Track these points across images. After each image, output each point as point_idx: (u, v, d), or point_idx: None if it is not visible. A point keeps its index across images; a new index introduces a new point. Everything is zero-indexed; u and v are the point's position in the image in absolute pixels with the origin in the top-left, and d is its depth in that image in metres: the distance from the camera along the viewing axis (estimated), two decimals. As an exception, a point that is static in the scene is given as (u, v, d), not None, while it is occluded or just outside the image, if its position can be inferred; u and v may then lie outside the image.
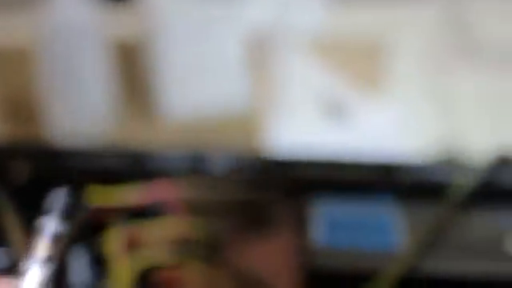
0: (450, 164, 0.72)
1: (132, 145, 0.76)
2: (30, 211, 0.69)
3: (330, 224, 0.67)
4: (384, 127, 0.91)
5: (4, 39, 0.98)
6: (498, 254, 0.65)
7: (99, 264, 0.68)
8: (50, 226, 0.28)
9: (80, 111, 0.95)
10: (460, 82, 1.00)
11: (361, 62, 0.99)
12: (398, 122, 0.92)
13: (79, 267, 0.69)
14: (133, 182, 0.70)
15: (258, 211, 0.74)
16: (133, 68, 0.99)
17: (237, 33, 0.91)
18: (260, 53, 0.97)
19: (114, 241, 0.68)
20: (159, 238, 0.69)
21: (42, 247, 0.28)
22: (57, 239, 0.28)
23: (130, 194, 0.69)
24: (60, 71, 0.94)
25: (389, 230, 0.66)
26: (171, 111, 0.93)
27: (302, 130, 0.88)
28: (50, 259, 0.29)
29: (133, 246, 0.69)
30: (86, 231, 0.69)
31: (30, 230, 0.66)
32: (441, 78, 1.00)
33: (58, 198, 0.28)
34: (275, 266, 0.70)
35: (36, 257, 0.28)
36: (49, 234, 0.28)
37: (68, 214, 0.28)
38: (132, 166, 0.72)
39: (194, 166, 0.72)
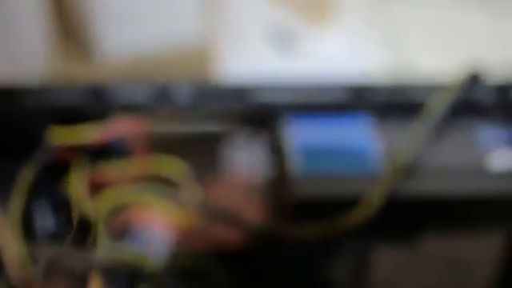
0: (423, 84, 0.69)
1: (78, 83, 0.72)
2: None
3: (306, 151, 0.65)
4: (334, 54, 0.89)
5: None
6: (478, 171, 0.64)
7: (64, 208, 0.64)
8: None
9: (16, 53, 0.90)
10: (405, 9, 0.99)
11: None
12: (347, 49, 0.90)
13: (44, 213, 0.65)
14: (94, 118, 0.66)
15: (226, 144, 0.71)
16: (71, 7, 0.94)
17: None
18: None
19: (77, 183, 0.64)
20: (124, 178, 0.66)
21: None
22: None
23: (92, 132, 0.65)
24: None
25: (366, 153, 0.65)
26: (116, 48, 0.89)
27: (254, 61, 0.85)
28: None
29: (98, 186, 0.65)
30: (49, 173, 0.65)
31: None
32: (386, 6, 0.99)
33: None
34: (240, 198, 0.68)
35: None
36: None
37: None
38: (92, 102, 0.68)
39: (157, 99, 0.68)
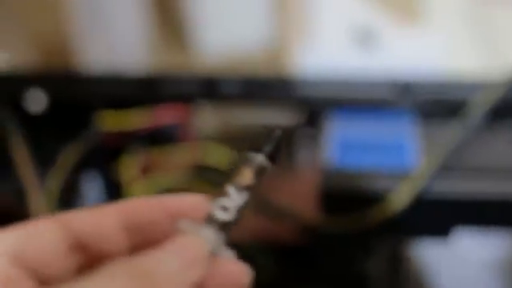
0: (469, 82, 0.68)
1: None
2: (46, 138, 0.70)
3: (344, 144, 0.65)
4: (418, 52, 0.88)
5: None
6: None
7: (114, 189, 0.68)
8: (258, 159, 0.32)
9: (113, 44, 0.95)
10: (502, 13, 0.96)
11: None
12: (432, 49, 0.89)
13: (94, 192, 0.69)
14: (146, 106, 0.69)
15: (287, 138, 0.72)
16: (164, 1, 0.98)
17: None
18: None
19: (128, 166, 0.68)
20: (174, 163, 0.69)
21: (246, 176, 0.31)
22: (260, 173, 0.31)
23: (143, 118, 0.69)
24: (93, 7, 0.94)
25: (403, 150, 0.64)
26: (205, 45, 0.92)
27: (332, 58, 0.86)
28: (249, 188, 0.31)
29: (147, 171, 0.68)
30: (100, 156, 0.68)
31: (42, 159, 0.67)
32: (481, 7, 0.97)
33: (272, 137, 0.32)
34: (296, 194, 0.69)
35: (238, 183, 0.31)
36: (255, 167, 0.31)
37: (274, 156, 0.32)
38: (146, 91, 0.71)
39: (210, 91, 0.71)
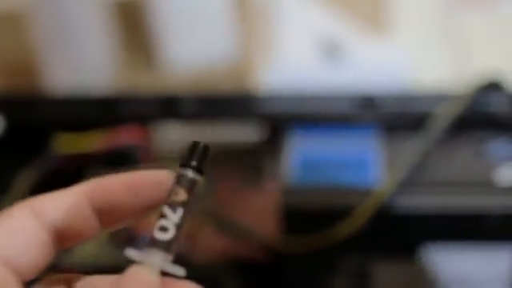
0: (433, 93, 0.67)
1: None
2: (3, 163, 0.68)
3: (306, 160, 0.64)
4: (385, 63, 0.87)
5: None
6: (485, 186, 0.60)
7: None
8: (187, 174, 0.32)
9: (79, 65, 0.93)
10: (470, 20, 0.95)
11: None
12: (400, 59, 0.88)
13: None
14: (104, 128, 0.68)
15: (241, 155, 0.71)
16: (128, 21, 0.97)
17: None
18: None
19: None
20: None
21: (178, 193, 0.32)
22: (191, 187, 0.32)
23: (101, 140, 0.67)
24: (57, 28, 0.92)
25: (367, 165, 0.63)
26: (171, 62, 0.91)
27: (296, 73, 0.85)
28: (183, 204, 0.32)
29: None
30: (58, 180, 0.67)
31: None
32: (450, 16, 0.96)
33: (196, 150, 0.33)
34: (260, 211, 0.67)
35: (172, 202, 0.32)
36: (185, 182, 0.32)
37: (200, 169, 0.32)
38: (105, 112, 0.69)
39: (170, 110, 0.69)
